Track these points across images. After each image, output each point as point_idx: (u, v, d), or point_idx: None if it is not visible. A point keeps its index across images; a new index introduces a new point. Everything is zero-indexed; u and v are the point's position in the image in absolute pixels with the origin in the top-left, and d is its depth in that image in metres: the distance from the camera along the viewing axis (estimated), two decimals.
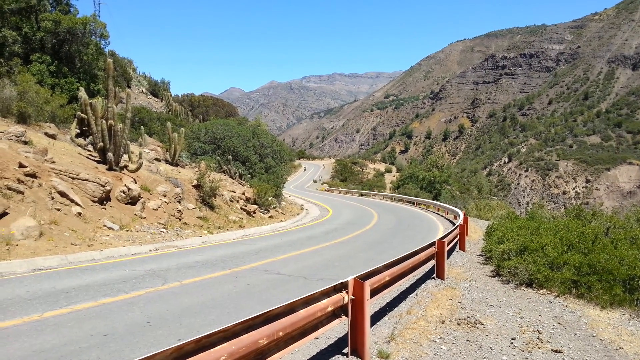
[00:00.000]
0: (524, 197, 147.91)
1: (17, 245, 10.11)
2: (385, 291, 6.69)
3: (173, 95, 73.79)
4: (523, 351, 6.04)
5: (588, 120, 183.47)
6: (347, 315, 5.14)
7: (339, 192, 64.23)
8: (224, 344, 3.15)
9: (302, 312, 4.22)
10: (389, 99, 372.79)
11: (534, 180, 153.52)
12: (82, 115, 17.78)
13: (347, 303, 5.09)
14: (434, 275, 10.29)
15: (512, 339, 6.50)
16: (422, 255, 8.68)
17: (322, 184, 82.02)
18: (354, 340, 5.20)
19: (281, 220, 24.28)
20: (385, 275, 6.42)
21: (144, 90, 64.73)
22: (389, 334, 6.12)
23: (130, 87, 54.91)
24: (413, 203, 41.69)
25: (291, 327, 3.97)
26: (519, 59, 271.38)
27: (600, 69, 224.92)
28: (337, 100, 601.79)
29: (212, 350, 3.02)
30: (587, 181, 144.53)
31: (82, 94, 17.86)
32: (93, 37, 24.87)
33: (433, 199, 44.83)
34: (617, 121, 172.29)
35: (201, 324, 5.98)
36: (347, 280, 5.12)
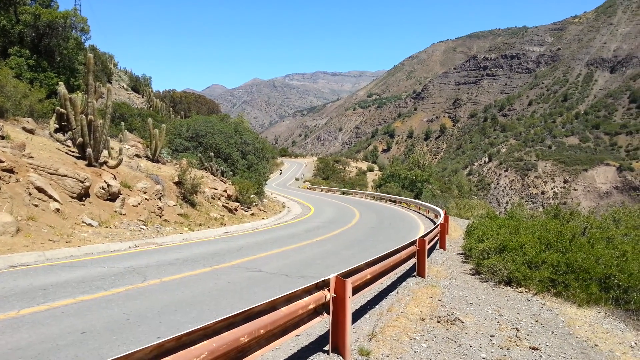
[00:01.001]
0: (503, 196, 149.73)
1: None
2: (366, 289, 6.71)
3: (154, 91, 73.07)
4: (502, 348, 6.12)
5: (567, 121, 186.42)
6: (328, 313, 5.15)
7: (321, 190, 64.25)
8: (205, 342, 3.13)
9: (284, 310, 4.21)
10: (371, 98, 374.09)
11: (513, 180, 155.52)
12: (62, 110, 17.52)
13: (329, 301, 5.10)
14: (415, 273, 10.36)
15: (491, 336, 6.58)
16: (403, 254, 8.73)
17: (304, 182, 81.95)
18: (335, 337, 5.21)
19: (263, 218, 24.20)
20: (367, 273, 6.44)
21: (125, 85, 63.97)
22: (369, 331, 6.14)
23: (110, 83, 54.19)
24: (395, 202, 41.89)
25: (272, 325, 3.96)
26: (500, 60, 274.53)
27: (580, 71, 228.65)
28: (320, 98, 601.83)
29: (192, 347, 3.00)
30: (565, 181, 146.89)
31: (62, 88, 17.60)
32: (74, 31, 24.50)
33: (414, 198, 45.13)
34: (595, 123, 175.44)
35: (181, 321, 5.94)
36: (329, 278, 5.13)
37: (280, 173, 61.66)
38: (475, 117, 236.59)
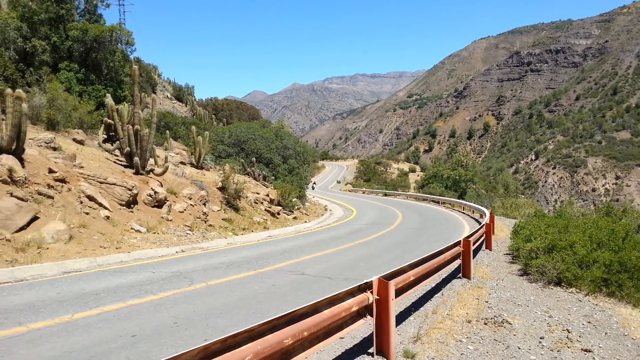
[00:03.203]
0: (551, 194, 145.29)
1: (47, 248, 10.35)
2: (410, 291, 6.65)
3: (197, 100, 74.67)
4: (552, 350, 5.94)
5: (617, 115, 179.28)
6: (371, 315, 5.13)
7: (363, 193, 64.08)
8: (250, 344, 3.18)
9: (327, 312, 4.23)
10: (412, 99, 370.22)
11: (562, 177, 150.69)
12: (109, 120, 18.15)
13: (372, 303, 5.08)
14: (460, 274, 10.18)
15: (541, 338, 6.39)
16: (447, 255, 8.61)
17: (346, 184, 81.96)
18: (379, 340, 5.19)
19: (305, 221, 24.33)
20: (410, 275, 6.38)
21: (169, 95, 65.65)
22: (414, 333, 6.08)
23: (155, 93, 55.76)
24: (438, 202, 41.31)
25: (316, 327, 3.98)
26: (544, 55, 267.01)
27: (630, 63, 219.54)
28: (360, 100, 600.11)
29: (237, 350, 3.05)
30: (617, 177, 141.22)
31: (109, 100, 18.23)
32: (119, 44, 25.37)
33: (458, 198, 44.40)
34: None
35: (227, 324, 6.04)
36: (372, 280, 5.11)
37: (313, 187, 61.74)
38: (520, 114, 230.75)
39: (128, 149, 17.09)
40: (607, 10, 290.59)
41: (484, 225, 14.60)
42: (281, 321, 3.61)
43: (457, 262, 10.02)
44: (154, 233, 14.14)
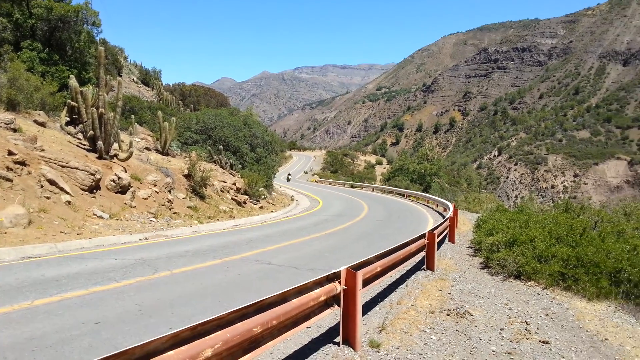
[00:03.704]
0: (512, 190, 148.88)
1: (5, 233, 10.05)
2: (376, 282, 6.73)
3: (164, 85, 73.26)
4: (511, 341, 6.12)
5: (578, 115, 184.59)
6: (339, 305, 5.18)
7: (330, 184, 64.26)
8: (219, 332, 3.17)
9: (295, 302, 4.25)
10: (381, 91, 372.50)
11: (523, 174, 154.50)
12: (73, 103, 17.65)
13: (340, 293, 5.12)
14: (424, 266, 10.36)
15: (501, 329, 6.58)
16: (412, 247, 8.74)
17: (313, 175, 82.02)
18: (346, 329, 5.24)
19: (272, 211, 24.28)
20: (377, 266, 6.46)
21: (135, 79, 64.23)
22: (379, 323, 6.16)
23: (121, 76, 54.47)
24: (403, 195, 41.82)
25: (284, 316, 3.99)
26: (511, 53, 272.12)
27: (592, 64, 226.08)
28: (329, 91, 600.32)
29: (207, 337, 3.05)
30: (576, 175, 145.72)
31: (73, 81, 17.70)
32: (85, 25, 24.59)
33: (423, 192, 45.06)
34: (607, 116, 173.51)
35: (192, 312, 5.99)
36: (340, 270, 5.15)
37: (289, 179, 61.27)
38: (486, 110, 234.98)
39: (92, 132, 16.66)
40: (573, 11, 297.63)
41: (447, 218, 14.86)
42: (250, 310, 3.61)
43: (422, 254, 10.18)
44: (117, 219, 13.87)
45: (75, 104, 17.39)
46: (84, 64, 24.94)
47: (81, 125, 17.51)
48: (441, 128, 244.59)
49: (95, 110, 16.42)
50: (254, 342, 3.62)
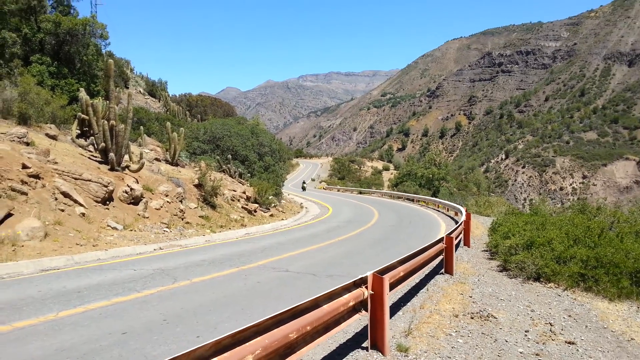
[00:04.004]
0: (521, 193, 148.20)
1: (22, 246, 10.09)
2: (399, 286, 6.70)
3: (170, 96, 73.59)
4: (537, 343, 6.07)
5: (585, 116, 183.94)
6: (366, 310, 5.16)
7: (338, 190, 64.22)
8: (258, 338, 3.18)
9: (326, 307, 4.23)
10: (385, 97, 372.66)
11: (531, 176, 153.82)
12: (83, 116, 17.76)
13: (367, 298, 5.11)
14: (442, 270, 10.32)
15: (526, 331, 6.53)
16: (431, 251, 8.70)
17: (320, 182, 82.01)
18: (374, 334, 5.21)
19: (282, 219, 24.27)
20: (400, 271, 6.43)
21: (142, 90, 64.55)
22: (405, 328, 6.13)
23: (127, 88, 54.76)
24: (413, 200, 41.68)
25: (317, 322, 3.98)
26: (515, 57, 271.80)
27: (597, 66, 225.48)
28: (334, 99, 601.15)
29: (247, 344, 3.05)
30: (584, 177, 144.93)
31: (83, 94, 17.82)
32: (93, 38, 24.79)
33: (432, 196, 44.91)
34: (614, 117, 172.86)
35: (217, 320, 5.98)
36: (367, 276, 5.14)
37: (304, 188, 57.71)
38: (491, 114, 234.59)
39: (103, 144, 16.75)
40: (576, 13, 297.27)
41: (462, 222, 14.79)
42: (285, 316, 3.61)
43: (439, 258, 10.13)
44: (131, 230, 13.91)
45: (86, 117, 17.51)
46: (92, 77, 25.13)
47: (92, 137, 17.61)
48: (447, 133, 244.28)
49: (106, 122, 16.52)
50: (289, 348, 3.61)
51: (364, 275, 5.12)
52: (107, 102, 17.19)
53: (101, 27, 24.97)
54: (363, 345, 5.44)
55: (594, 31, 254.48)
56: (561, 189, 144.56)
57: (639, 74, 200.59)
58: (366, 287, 5.09)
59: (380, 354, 5.16)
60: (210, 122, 36.64)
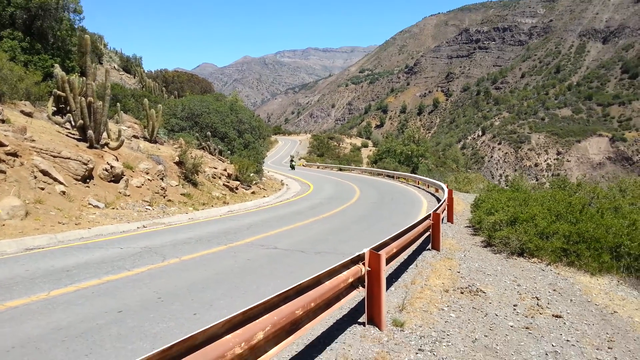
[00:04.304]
0: (497, 169, 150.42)
1: (3, 225, 9.94)
2: (392, 262, 6.79)
3: (146, 72, 72.12)
4: (526, 317, 6.23)
5: (559, 93, 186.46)
6: (363, 286, 5.23)
7: (317, 167, 64.21)
8: (267, 315, 3.22)
9: (328, 284, 4.28)
10: (363, 74, 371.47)
11: (506, 153, 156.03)
12: (60, 92, 17.33)
13: (364, 274, 5.16)
14: (429, 246, 10.46)
15: (514, 305, 6.69)
16: (420, 228, 8.81)
17: (300, 159, 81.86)
18: (370, 310, 5.28)
19: (264, 196, 24.22)
20: (393, 247, 6.51)
21: (116, 66, 63.09)
22: (398, 303, 6.22)
23: (101, 63, 53.44)
24: (392, 177, 41.94)
25: (320, 298, 4.03)
26: (492, 33, 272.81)
27: (572, 43, 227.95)
28: (312, 75, 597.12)
29: (257, 321, 3.09)
30: (559, 153, 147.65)
31: (58, 70, 17.36)
32: (66, 12, 23.99)
33: (411, 173, 45.26)
34: (588, 94, 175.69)
35: (212, 297, 5.99)
36: (364, 252, 5.18)
37: (293, 167, 54.74)
38: (468, 90, 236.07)
39: (81, 121, 16.40)
40: None
41: (445, 199, 14.96)
42: (291, 293, 3.65)
43: (426, 234, 10.26)
44: (113, 208, 13.76)
45: (63, 94, 17.08)
46: (66, 53, 24.44)
47: (69, 114, 17.22)
48: (425, 109, 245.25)
49: (83, 99, 16.14)
50: (294, 325, 3.65)
51: (360, 252, 5.17)
52: (84, 78, 16.77)
53: (74, 1, 24.18)
54: (359, 320, 5.51)
55: (570, 8, 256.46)
56: (536, 165, 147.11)
57: (612, 51, 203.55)
58: (363, 264, 5.14)
59: (377, 329, 5.24)
60: (188, 99, 36.06)
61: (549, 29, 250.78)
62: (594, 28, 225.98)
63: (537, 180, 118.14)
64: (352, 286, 5.03)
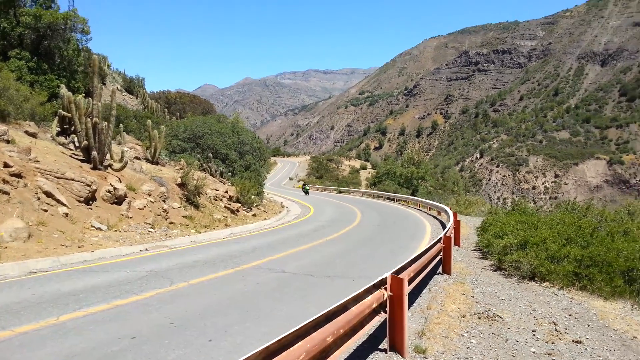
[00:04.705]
0: (494, 192, 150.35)
1: (6, 247, 9.77)
2: (410, 286, 6.66)
3: (148, 92, 72.39)
4: (547, 342, 6.10)
5: (558, 116, 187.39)
6: (385, 312, 5.09)
7: (317, 189, 64.04)
8: (300, 342, 3.14)
9: (354, 310, 4.17)
10: (363, 96, 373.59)
11: (504, 175, 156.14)
12: (65, 113, 17.32)
13: (386, 299, 5.03)
14: (440, 270, 10.31)
15: (533, 331, 6.56)
16: (433, 251, 8.71)
17: (299, 181, 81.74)
18: (392, 336, 5.14)
19: (265, 219, 24.05)
20: (410, 271, 6.39)
21: (119, 87, 63.36)
22: (417, 329, 6.07)
23: (105, 84, 53.71)
24: (393, 199, 41.79)
25: (347, 325, 3.93)
26: (491, 55, 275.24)
27: (570, 65, 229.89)
28: (312, 96, 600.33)
29: (291, 348, 3.00)
30: (556, 176, 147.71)
31: (64, 91, 17.39)
32: (74, 32, 24.15)
33: (411, 195, 45.13)
34: (586, 117, 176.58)
35: (225, 323, 5.84)
36: (386, 277, 5.07)
37: (306, 192, 49.62)
38: (467, 113, 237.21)
39: (85, 142, 16.34)
40: (552, 12, 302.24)
41: (452, 222, 14.84)
42: (321, 319, 3.53)
43: (437, 258, 10.12)
44: (115, 231, 13.60)
45: (68, 114, 17.07)
46: (72, 73, 24.52)
47: (73, 135, 17.17)
48: (423, 131, 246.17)
49: (89, 120, 16.11)
50: (324, 352, 3.53)
51: (382, 277, 5.05)
52: (89, 99, 16.76)
53: (82, 22, 24.35)
54: (380, 347, 5.36)
55: (569, 31, 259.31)
56: (534, 187, 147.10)
57: (611, 74, 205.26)
58: (385, 289, 5.02)
59: (399, 356, 5.09)
60: (190, 120, 36.16)
61: (548, 52, 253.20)
62: (593, 51, 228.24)
63: (534, 203, 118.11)
64: (374, 312, 4.91)
